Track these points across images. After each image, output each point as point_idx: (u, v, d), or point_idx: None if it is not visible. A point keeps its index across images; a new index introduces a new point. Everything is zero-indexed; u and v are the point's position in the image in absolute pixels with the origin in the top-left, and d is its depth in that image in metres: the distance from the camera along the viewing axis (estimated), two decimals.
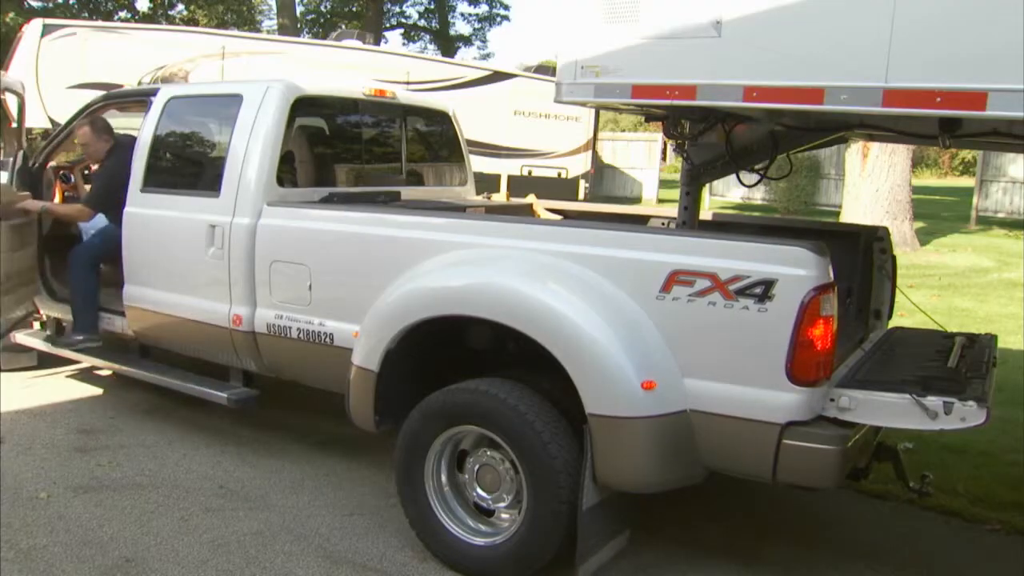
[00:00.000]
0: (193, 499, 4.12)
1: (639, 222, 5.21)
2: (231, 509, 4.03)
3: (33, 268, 5.39)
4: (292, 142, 4.69)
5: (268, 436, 4.98)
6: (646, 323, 3.10)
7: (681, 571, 3.59)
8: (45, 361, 5.97)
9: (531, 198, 5.80)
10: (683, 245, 3.11)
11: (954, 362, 3.48)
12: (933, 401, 2.87)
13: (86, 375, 6.02)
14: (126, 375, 5.19)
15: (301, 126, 4.84)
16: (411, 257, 3.70)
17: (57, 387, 5.75)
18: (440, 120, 5.70)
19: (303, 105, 4.56)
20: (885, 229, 4.46)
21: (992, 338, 4.00)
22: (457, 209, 4.82)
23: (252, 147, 4.33)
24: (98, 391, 5.71)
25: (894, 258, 4.39)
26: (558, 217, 5.35)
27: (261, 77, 7.12)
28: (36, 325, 5.86)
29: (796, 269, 2.87)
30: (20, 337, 5.67)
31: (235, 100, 4.48)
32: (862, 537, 3.99)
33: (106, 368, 5.46)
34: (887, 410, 2.96)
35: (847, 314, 3.90)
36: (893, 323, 4.56)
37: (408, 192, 5.20)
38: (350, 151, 5.34)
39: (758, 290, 2.91)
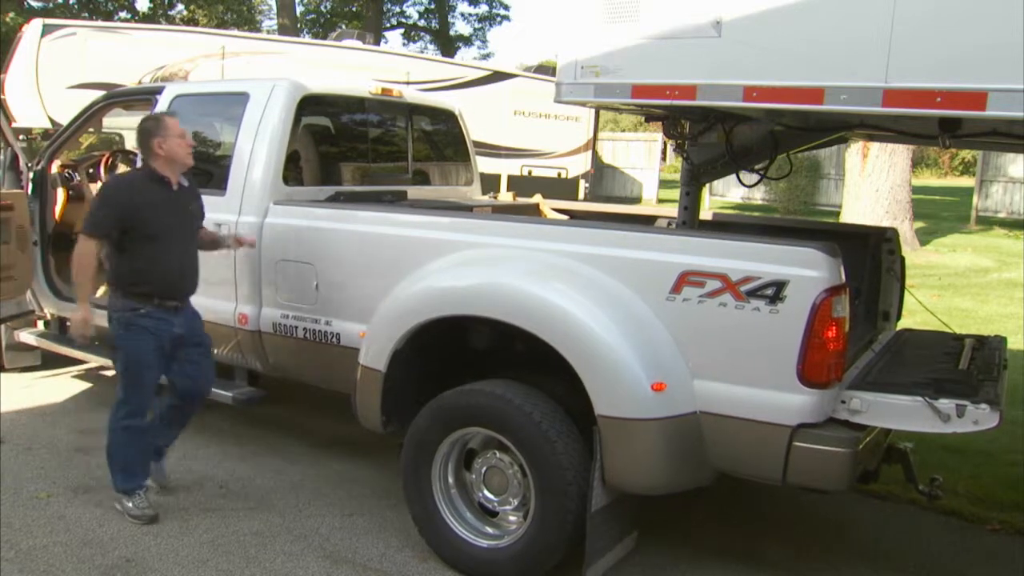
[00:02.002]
0: (193, 499, 4.11)
1: (646, 222, 5.19)
2: (231, 509, 4.02)
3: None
4: (298, 141, 4.67)
5: (269, 436, 4.97)
6: (656, 324, 3.08)
7: (687, 572, 3.58)
8: (48, 361, 5.96)
9: (538, 198, 5.77)
10: (694, 246, 3.10)
11: (965, 364, 3.47)
12: (945, 404, 2.86)
13: (87, 375, 6.00)
14: None
15: (307, 125, 4.82)
16: (419, 257, 3.68)
17: (57, 387, 5.73)
18: (446, 119, 5.69)
19: (309, 104, 4.56)
20: (893, 230, 4.44)
21: (1002, 340, 3.99)
22: (464, 209, 4.80)
23: (258, 145, 4.31)
24: (98, 391, 5.68)
25: (902, 259, 4.37)
26: (564, 217, 5.33)
27: (265, 76, 7.09)
28: (40, 324, 5.82)
29: (808, 270, 2.85)
30: (25, 336, 5.64)
31: (241, 98, 4.47)
32: (863, 537, 3.98)
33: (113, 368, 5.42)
34: (899, 412, 2.95)
35: (856, 316, 3.89)
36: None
37: (414, 191, 5.19)
38: (356, 150, 5.32)
39: (769, 291, 2.89)
